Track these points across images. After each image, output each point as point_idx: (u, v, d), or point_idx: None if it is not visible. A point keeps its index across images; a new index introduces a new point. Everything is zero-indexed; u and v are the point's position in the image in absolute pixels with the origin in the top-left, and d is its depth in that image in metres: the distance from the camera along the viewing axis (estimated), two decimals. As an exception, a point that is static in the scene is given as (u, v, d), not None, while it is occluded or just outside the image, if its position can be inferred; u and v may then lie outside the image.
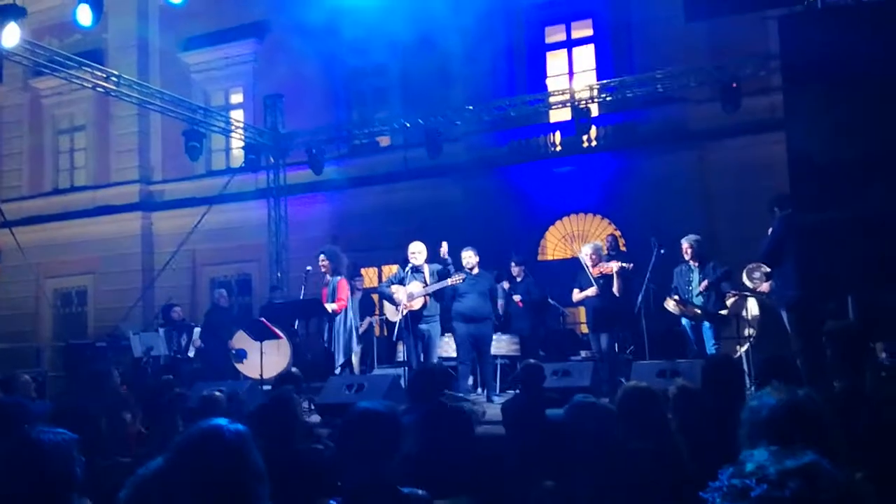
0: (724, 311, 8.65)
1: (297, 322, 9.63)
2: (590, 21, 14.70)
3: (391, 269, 9.75)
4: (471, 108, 12.41)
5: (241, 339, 10.09)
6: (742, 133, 12.25)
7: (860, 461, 2.39)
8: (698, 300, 8.71)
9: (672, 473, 3.14)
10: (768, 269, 8.30)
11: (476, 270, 8.72)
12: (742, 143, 12.41)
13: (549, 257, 14.30)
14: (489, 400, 8.30)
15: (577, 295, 8.98)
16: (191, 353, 11.52)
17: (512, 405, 5.52)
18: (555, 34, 15.01)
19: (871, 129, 5.37)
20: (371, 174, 14.99)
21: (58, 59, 10.78)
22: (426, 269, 8.59)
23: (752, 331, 8.66)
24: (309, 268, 9.47)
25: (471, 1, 12.91)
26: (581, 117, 11.54)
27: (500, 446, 4.87)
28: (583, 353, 10.20)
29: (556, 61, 14.92)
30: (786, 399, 2.25)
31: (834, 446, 2.01)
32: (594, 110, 12.43)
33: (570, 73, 14.65)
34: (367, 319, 11.05)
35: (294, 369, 7.39)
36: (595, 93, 11.84)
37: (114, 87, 11.38)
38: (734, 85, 10.65)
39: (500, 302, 9.91)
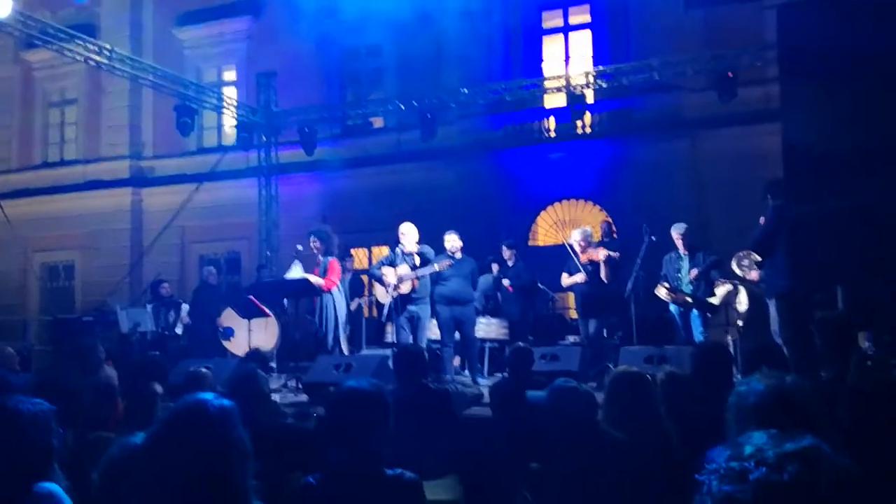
0: (713, 299, 8.68)
1: (285, 301, 9.59)
2: (587, 7, 14.63)
3: (382, 251, 9.73)
4: (465, 90, 12.34)
5: (229, 317, 10.07)
6: (736, 123, 12.23)
7: (845, 450, 2.39)
8: (687, 288, 8.74)
9: (660, 459, 3.15)
10: (758, 258, 8.34)
11: (459, 254, 8.70)
12: (736, 132, 12.41)
13: (540, 243, 14.30)
14: (475, 382, 8.31)
15: (565, 280, 8.99)
16: (178, 330, 11.49)
17: (499, 387, 5.51)
18: (552, 19, 14.94)
19: (871, 120, 5.37)
20: (364, 155, 14.91)
21: (50, 31, 10.63)
22: (416, 250, 8.57)
23: (740, 319, 8.70)
24: (299, 247, 9.42)
25: (468, -18, 12.83)
26: (576, 103, 11.50)
27: (488, 428, 4.88)
28: (571, 339, 10.23)
29: (552, 46, 14.86)
30: (773, 385, 2.25)
31: (820, 434, 2.00)
32: (589, 97, 12.39)
33: (567, 59, 14.59)
34: (357, 300, 11.03)
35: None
36: (591, 79, 11.79)
37: (106, 61, 11.25)
38: (730, 74, 10.62)
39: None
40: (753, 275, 8.50)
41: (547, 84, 12.66)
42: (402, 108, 12.78)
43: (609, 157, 13.66)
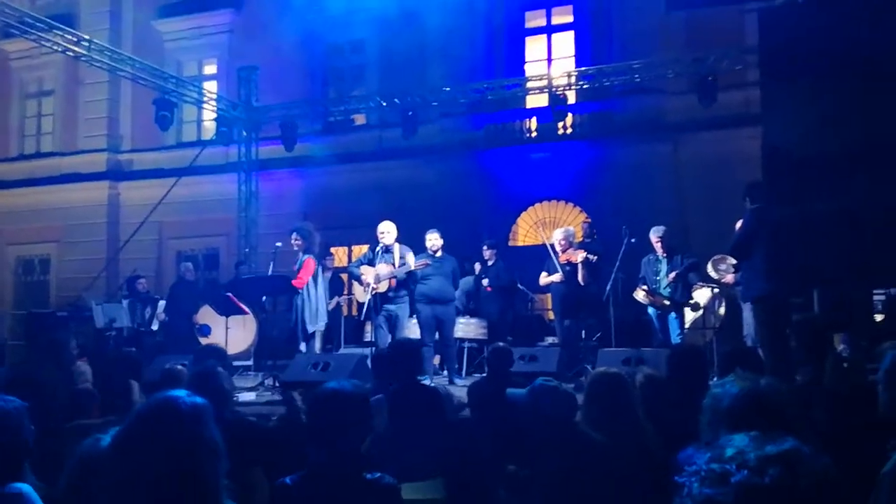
0: (691, 302, 8.74)
1: (264, 298, 9.52)
2: (570, 7, 14.68)
3: (362, 249, 9.68)
4: (448, 89, 12.32)
5: (206, 314, 9.98)
6: (717, 126, 12.31)
7: (822, 452, 2.40)
8: (666, 291, 8.78)
9: (638, 460, 3.15)
10: (734, 262, 8.41)
11: (440, 253, 8.67)
12: (717, 136, 12.49)
13: (521, 243, 14.32)
14: (451, 382, 8.29)
15: (543, 279, 9.01)
16: (154, 326, 11.37)
17: (478, 387, 5.49)
18: (535, 19, 14.97)
19: (850, 123, 5.41)
20: (345, 152, 14.85)
21: (28, 20, 10.48)
22: (396, 249, 8.54)
23: (717, 323, 8.77)
24: (279, 244, 9.35)
25: (451, -19, 12.82)
26: (558, 104, 11.51)
27: (469, 429, 4.86)
28: (549, 340, 10.24)
29: (535, 46, 14.88)
30: (748, 387, 2.24)
31: (796, 436, 2.00)
32: (571, 97, 12.41)
33: (549, 59, 14.63)
34: (336, 299, 10.97)
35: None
36: (573, 80, 11.81)
37: (84, 52, 11.10)
38: (710, 78, 10.68)
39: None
40: (729, 278, 8.56)
41: (529, 84, 12.67)
42: (384, 105, 12.74)
43: (590, 158, 13.71)
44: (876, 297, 7.98)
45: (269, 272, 9.14)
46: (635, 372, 4.69)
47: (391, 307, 8.43)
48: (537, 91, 12.76)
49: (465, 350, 9.80)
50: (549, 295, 10.22)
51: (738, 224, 7.91)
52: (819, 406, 3.55)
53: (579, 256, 8.58)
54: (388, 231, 8.57)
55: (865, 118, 5.43)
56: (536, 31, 14.96)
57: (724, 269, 8.70)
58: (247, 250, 13.60)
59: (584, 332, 8.97)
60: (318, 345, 9.45)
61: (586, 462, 3.14)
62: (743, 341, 8.02)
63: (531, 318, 11.60)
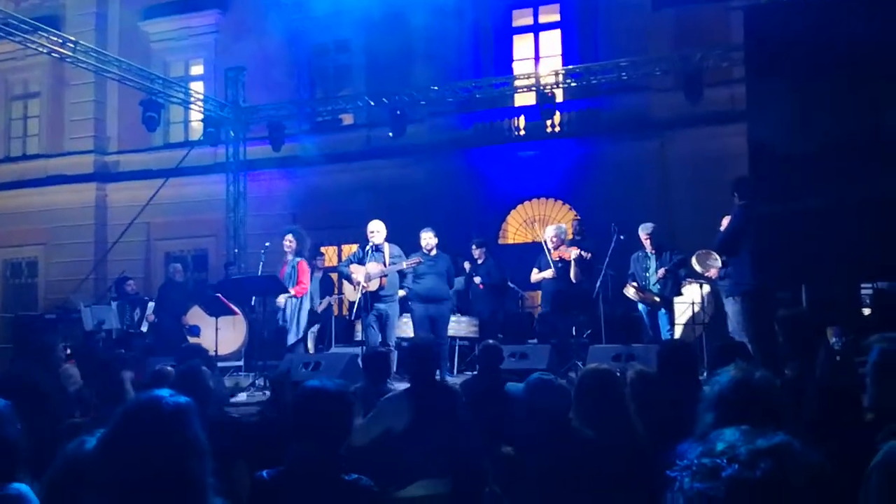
0: (686, 291, 8.81)
1: (254, 299, 9.50)
2: (557, 6, 14.70)
3: (351, 249, 9.69)
4: (436, 88, 12.32)
5: (195, 315, 9.95)
6: (703, 124, 12.37)
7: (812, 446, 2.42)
8: (655, 287, 8.82)
9: (629, 456, 3.17)
10: (717, 256, 8.47)
11: (434, 252, 8.69)
12: (703, 133, 12.55)
13: (510, 241, 14.34)
14: (442, 380, 8.29)
15: (534, 275, 9.04)
16: (143, 328, 11.32)
17: (469, 385, 5.52)
18: (522, 17, 14.97)
19: (836, 121, 5.45)
20: (333, 152, 14.82)
21: (13, 22, 10.40)
22: (386, 248, 8.55)
23: (706, 317, 8.82)
24: (267, 244, 9.35)
25: (438, -20, 12.81)
26: (546, 102, 11.52)
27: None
28: (540, 338, 10.25)
29: (522, 45, 14.89)
30: (741, 377, 2.27)
31: (788, 429, 2.03)
32: (559, 96, 12.43)
33: (537, 58, 14.64)
34: (326, 299, 10.96)
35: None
36: (560, 78, 11.83)
37: (70, 54, 11.03)
38: (697, 76, 10.72)
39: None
40: (713, 272, 8.62)
41: (517, 83, 12.67)
42: (372, 104, 12.71)
43: (578, 156, 13.74)
44: (863, 292, 8.05)
45: (259, 272, 9.14)
46: (626, 368, 4.72)
47: (381, 306, 8.44)
48: (525, 89, 12.77)
49: (457, 348, 9.82)
50: (539, 292, 10.25)
51: (724, 220, 7.97)
52: (809, 399, 3.58)
53: (573, 254, 8.60)
54: (377, 230, 8.58)
55: (847, 117, 5.47)
56: (524, 29, 14.97)
57: (708, 264, 8.76)
58: (236, 251, 13.55)
59: (574, 328, 8.99)
60: (312, 346, 9.47)
61: (576, 456, 3.16)
62: (731, 336, 8.07)
63: (522, 315, 11.62)
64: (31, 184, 16.97)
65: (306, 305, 8.93)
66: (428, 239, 8.70)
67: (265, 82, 14.38)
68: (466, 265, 10.36)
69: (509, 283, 10.66)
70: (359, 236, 9.17)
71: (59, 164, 17.08)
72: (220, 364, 7.95)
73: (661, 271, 8.77)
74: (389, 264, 8.43)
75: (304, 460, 2.59)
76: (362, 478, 2.60)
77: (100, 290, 14.90)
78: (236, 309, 9.11)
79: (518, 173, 13.97)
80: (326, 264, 12.57)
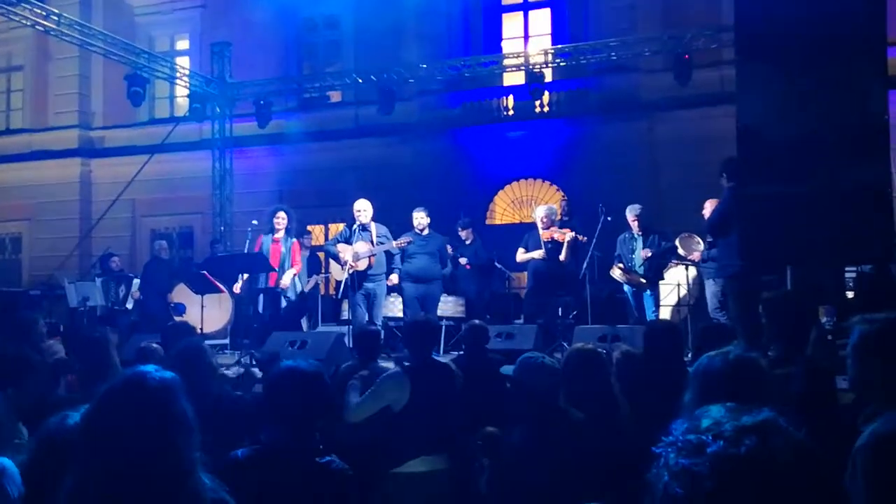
0: (662, 280, 8.86)
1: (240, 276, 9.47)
2: (547, -17, 14.61)
3: (338, 227, 9.66)
4: (424, 66, 12.24)
5: (181, 293, 9.90)
6: (692, 105, 12.37)
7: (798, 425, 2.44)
8: (641, 269, 8.84)
9: (614, 434, 3.18)
10: (699, 240, 8.52)
11: (427, 231, 8.67)
12: (692, 115, 12.54)
13: (498, 221, 14.33)
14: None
15: (520, 255, 8.95)
16: (129, 305, 11.26)
17: (455, 364, 5.52)
18: (512, -5, 14.88)
19: (827, 103, 5.44)
20: (320, 130, 14.74)
21: (-6, -7, 10.24)
22: (373, 228, 8.53)
23: (691, 299, 8.87)
24: (255, 222, 9.30)
25: (428, -43, 12.68)
26: (535, 82, 11.47)
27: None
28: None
29: (511, 23, 14.81)
30: (727, 356, 2.29)
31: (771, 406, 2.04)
32: (548, 75, 12.38)
33: (526, 37, 14.56)
34: (314, 277, 10.93)
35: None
36: (549, 58, 11.78)
37: (54, 26, 10.88)
38: (686, 56, 10.71)
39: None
40: (696, 255, 8.67)
41: (506, 62, 12.62)
42: (360, 81, 12.62)
43: (567, 136, 13.71)
44: (847, 275, 8.11)
45: (245, 250, 9.10)
46: (611, 348, 4.73)
47: (370, 285, 8.44)
48: (514, 69, 12.71)
49: (443, 328, 9.82)
50: (525, 273, 10.26)
51: (707, 204, 7.99)
52: (795, 379, 3.60)
53: (567, 236, 8.57)
54: (364, 209, 8.55)
55: (838, 99, 5.47)
56: (513, 7, 14.88)
57: (692, 247, 8.80)
58: (222, 228, 13.49)
59: (560, 309, 9.01)
60: (304, 325, 9.49)
61: (561, 436, 3.17)
62: (713, 317, 8.13)
63: (508, 296, 11.63)
64: (15, 158, 16.79)
65: (298, 286, 9.01)
66: (420, 218, 8.69)
67: (252, 58, 14.25)
68: (449, 248, 10.34)
69: (496, 264, 10.66)
70: (345, 215, 9.13)
71: (43, 139, 16.89)
72: (205, 342, 7.91)
73: (646, 252, 8.77)
74: (377, 244, 8.41)
75: (276, 441, 2.58)
76: (335, 460, 2.58)
77: (84, 267, 14.81)
78: (222, 287, 9.08)
79: (506, 154, 13.94)
80: (313, 243, 12.54)
